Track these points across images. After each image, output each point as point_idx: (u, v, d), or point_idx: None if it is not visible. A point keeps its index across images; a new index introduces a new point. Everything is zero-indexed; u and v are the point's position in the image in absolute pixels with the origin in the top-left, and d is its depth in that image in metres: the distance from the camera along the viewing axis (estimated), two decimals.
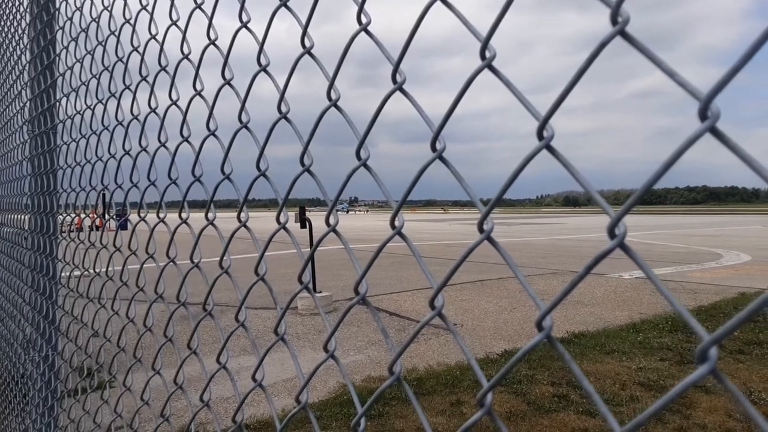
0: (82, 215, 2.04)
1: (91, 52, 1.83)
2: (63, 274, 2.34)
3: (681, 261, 16.06)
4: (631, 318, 8.34)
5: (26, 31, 2.61)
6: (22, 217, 2.77)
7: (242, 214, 1.11)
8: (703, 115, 0.38)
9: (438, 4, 0.65)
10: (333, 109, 0.86)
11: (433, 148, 0.66)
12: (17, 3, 2.80)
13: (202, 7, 1.18)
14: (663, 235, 28.79)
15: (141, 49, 1.47)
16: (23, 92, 2.71)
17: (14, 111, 2.94)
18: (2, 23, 3.25)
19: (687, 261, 16.05)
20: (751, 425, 4.35)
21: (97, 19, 1.77)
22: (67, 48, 2.12)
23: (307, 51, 0.88)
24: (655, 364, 6.02)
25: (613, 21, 0.44)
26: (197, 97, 1.22)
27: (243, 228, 1.12)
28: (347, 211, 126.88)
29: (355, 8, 0.78)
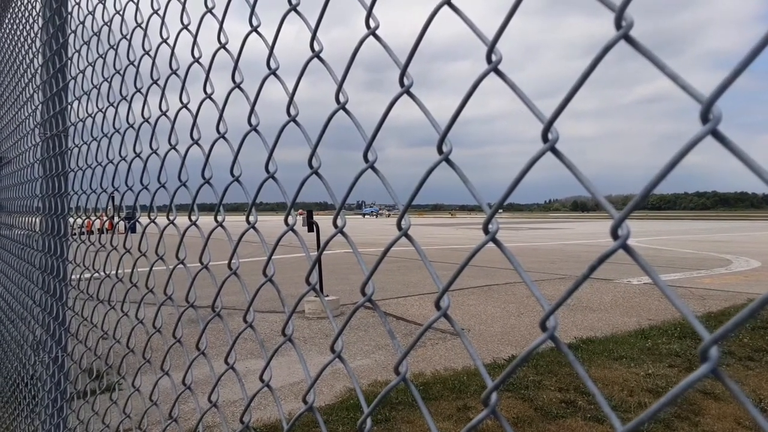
0: (93, 217, 2.06)
1: (103, 56, 1.85)
2: (73, 276, 2.36)
3: (690, 267, 15.95)
4: (640, 324, 8.29)
5: (39, 35, 2.64)
6: (34, 219, 2.80)
7: (251, 217, 1.12)
8: (704, 118, 0.39)
9: (445, 9, 0.66)
10: (341, 113, 0.87)
11: (440, 151, 0.67)
12: (30, 7, 2.84)
13: (213, 11, 1.20)
14: (672, 241, 28.62)
15: (152, 53, 1.49)
16: (35, 95, 2.74)
17: (26, 114, 2.97)
18: (15, 27, 3.29)
19: (696, 267, 15.94)
20: None
21: (109, 23, 1.79)
22: (79, 52, 2.14)
23: (316, 55, 0.89)
24: (663, 371, 5.98)
25: (617, 25, 0.45)
26: (207, 100, 1.24)
27: (251, 231, 1.13)
28: (376, 215, 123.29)
29: (364, 13, 0.79)
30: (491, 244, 0.61)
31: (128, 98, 1.65)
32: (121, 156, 1.71)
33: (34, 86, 2.76)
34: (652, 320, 8.50)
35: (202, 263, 1.28)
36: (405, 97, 0.74)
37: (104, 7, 1.82)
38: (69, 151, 2.35)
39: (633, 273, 13.29)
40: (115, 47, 1.75)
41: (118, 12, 1.71)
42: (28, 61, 2.93)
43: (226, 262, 1.18)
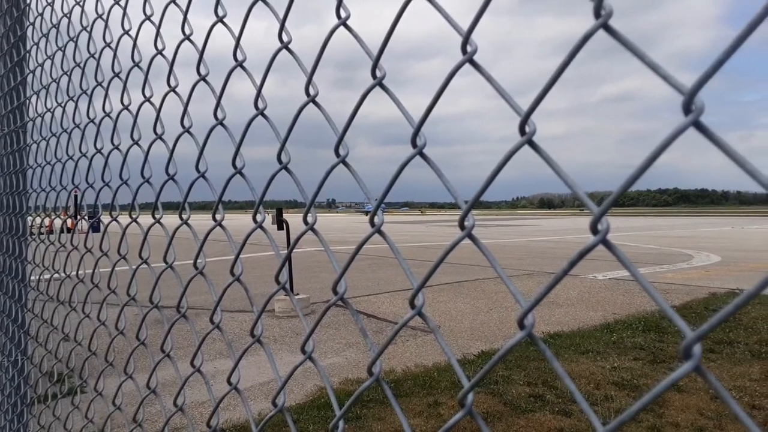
0: (53, 216, 2.00)
1: (63, 49, 1.79)
2: (33, 277, 2.28)
3: (653, 262, 16.33)
4: (605, 318, 8.44)
5: None
6: None
7: (217, 215, 1.08)
8: (687, 109, 0.38)
9: (419, 3, 0.65)
10: (310, 109, 0.85)
11: (414, 144, 0.65)
12: None
13: (177, 2, 1.16)
14: (635, 237, 29.27)
15: (114, 45, 1.44)
16: None
17: None
18: None
19: (659, 262, 16.32)
20: (722, 423, 4.43)
21: (68, 15, 1.73)
22: (37, 44, 2.07)
23: (285, 46, 0.86)
24: (628, 364, 6.11)
25: (597, 14, 0.44)
26: (171, 94, 1.20)
27: (218, 228, 1.10)
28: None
29: (334, 6, 0.76)
30: (462, 243, 0.60)
31: (89, 92, 1.60)
32: (81, 152, 1.66)
33: None
34: (617, 314, 8.67)
35: (166, 262, 1.24)
36: (376, 93, 0.72)
37: None
38: (27, 148, 2.27)
39: (598, 268, 13.54)
40: (75, 39, 1.69)
41: (78, 3, 1.65)
42: None
43: (192, 261, 1.14)
